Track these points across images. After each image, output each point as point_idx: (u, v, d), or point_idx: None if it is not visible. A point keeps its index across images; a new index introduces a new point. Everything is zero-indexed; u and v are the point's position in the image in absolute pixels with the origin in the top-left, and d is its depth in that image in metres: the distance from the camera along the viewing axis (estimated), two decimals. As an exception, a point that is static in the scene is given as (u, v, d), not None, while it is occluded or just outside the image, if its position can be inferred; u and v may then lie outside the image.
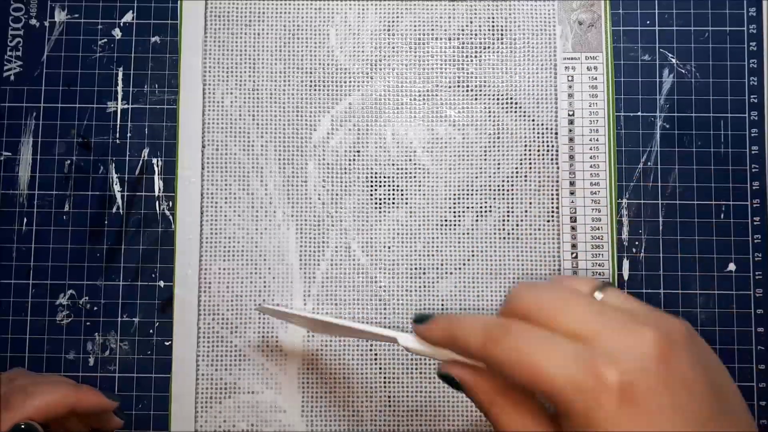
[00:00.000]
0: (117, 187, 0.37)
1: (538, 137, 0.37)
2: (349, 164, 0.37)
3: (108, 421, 0.34)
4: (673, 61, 0.38)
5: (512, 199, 0.37)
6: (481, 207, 0.37)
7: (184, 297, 0.37)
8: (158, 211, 0.37)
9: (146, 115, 0.38)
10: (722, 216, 0.37)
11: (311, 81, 0.38)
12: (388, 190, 0.37)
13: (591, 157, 0.37)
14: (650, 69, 0.38)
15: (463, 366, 0.25)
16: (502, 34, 0.38)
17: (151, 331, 0.37)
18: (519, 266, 0.37)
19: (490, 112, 0.38)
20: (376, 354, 0.36)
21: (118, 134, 0.38)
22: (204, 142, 0.38)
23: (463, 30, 0.38)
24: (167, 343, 0.36)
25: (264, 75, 0.38)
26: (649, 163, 0.37)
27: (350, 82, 0.38)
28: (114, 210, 0.37)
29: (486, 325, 0.23)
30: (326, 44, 0.38)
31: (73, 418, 0.33)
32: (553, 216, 0.37)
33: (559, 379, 0.21)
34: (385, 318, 0.36)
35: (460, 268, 0.37)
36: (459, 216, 0.37)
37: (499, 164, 0.37)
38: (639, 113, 0.38)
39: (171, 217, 0.37)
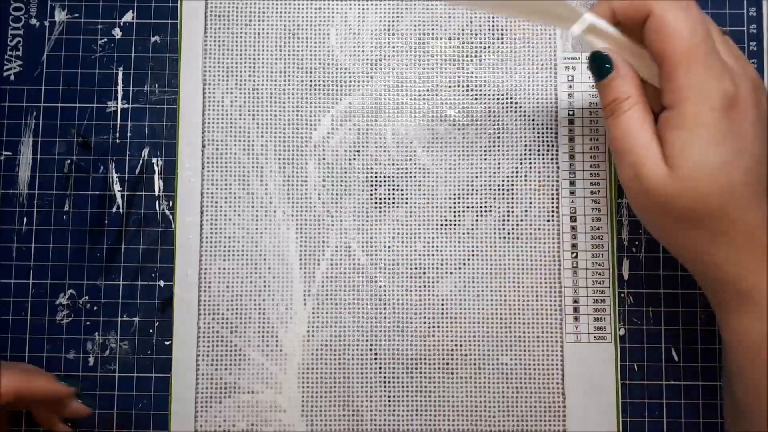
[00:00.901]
0: (117, 187, 0.37)
1: (538, 137, 0.37)
2: (349, 164, 0.37)
3: (72, 409, 0.34)
4: (673, 61, 0.38)
5: (512, 199, 0.37)
6: (481, 207, 0.37)
7: (184, 297, 0.37)
8: (158, 211, 0.37)
9: (146, 114, 0.38)
10: (722, 216, 0.37)
11: (311, 81, 0.38)
12: (388, 190, 0.37)
13: (591, 157, 0.37)
14: (650, 69, 0.38)
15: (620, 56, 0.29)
16: (502, 34, 0.38)
17: (151, 330, 0.37)
18: (519, 266, 0.37)
19: (490, 112, 0.38)
20: (376, 354, 0.36)
21: (118, 134, 0.38)
22: (204, 142, 0.38)
23: (463, 30, 0.38)
24: (167, 343, 0.36)
25: (264, 75, 0.38)
26: (649, 163, 0.37)
27: (350, 81, 0.38)
28: (114, 210, 0.37)
29: None
30: (326, 44, 0.38)
31: (38, 405, 0.33)
32: (553, 216, 0.37)
33: (681, 42, 0.27)
34: (385, 318, 0.36)
35: (460, 268, 0.37)
36: (459, 216, 0.37)
37: (499, 164, 0.37)
38: (639, 113, 0.38)
39: (171, 217, 0.37)
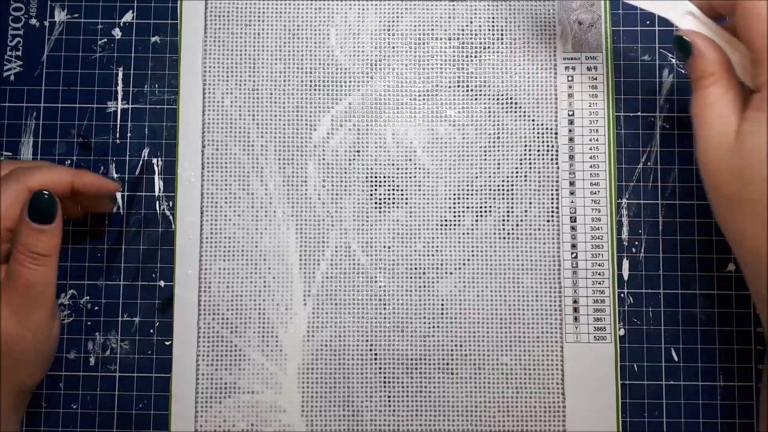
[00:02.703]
0: (117, 187, 0.37)
1: (538, 137, 0.37)
2: (349, 164, 0.37)
3: (102, 205, 0.36)
4: (673, 61, 0.38)
5: (512, 199, 0.37)
6: (481, 207, 0.37)
7: (184, 297, 0.37)
8: (158, 211, 0.37)
9: (146, 115, 0.38)
10: (722, 216, 0.37)
11: (311, 81, 0.38)
12: (388, 190, 0.37)
13: (591, 157, 0.37)
14: (650, 69, 0.38)
15: (706, 38, 0.31)
16: (502, 34, 0.38)
17: (151, 330, 0.37)
18: (519, 266, 0.37)
19: (490, 112, 0.38)
20: (376, 354, 0.36)
21: (118, 134, 0.38)
22: (204, 142, 0.38)
23: (463, 30, 0.38)
24: (167, 343, 0.36)
25: (264, 75, 0.38)
26: (649, 163, 0.37)
27: (350, 82, 0.38)
28: (114, 210, 0.37)
29: None
30: (326, 44, 0.38)
31: (68, 200, 0.34)
32: (553, 216, 0.37)
33: None
34: (384, 318, 0.36)
35: (460, 268, 0.37)
36: (459, 216, 0.37)
37: (499, 164, 0.37)
38: (639, 113, 0.38)
39: (171, 217, 0.37)
